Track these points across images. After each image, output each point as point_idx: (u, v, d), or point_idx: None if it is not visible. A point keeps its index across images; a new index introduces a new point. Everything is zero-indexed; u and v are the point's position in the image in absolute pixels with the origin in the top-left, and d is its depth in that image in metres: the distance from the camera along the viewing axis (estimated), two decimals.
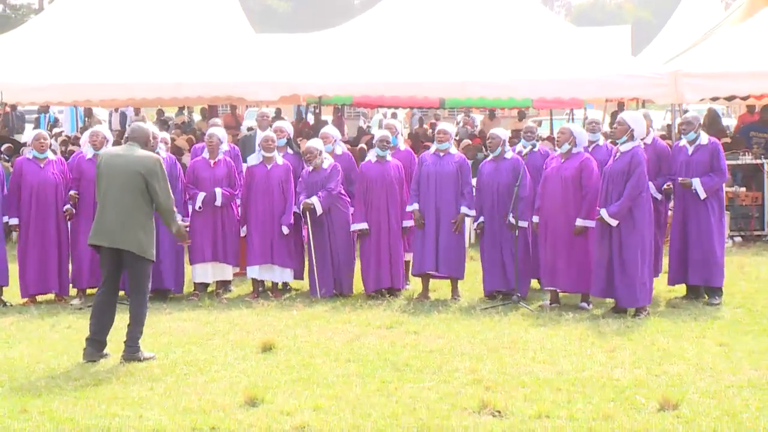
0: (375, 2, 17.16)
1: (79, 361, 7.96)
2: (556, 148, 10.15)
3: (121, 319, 8.27)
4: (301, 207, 10.58)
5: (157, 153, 9.12)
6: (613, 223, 9.40)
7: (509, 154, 10.48)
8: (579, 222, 9.68)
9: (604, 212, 9.42)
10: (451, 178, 10.49)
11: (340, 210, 10.72)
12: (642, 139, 10.05)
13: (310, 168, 10.76)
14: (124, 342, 8.07)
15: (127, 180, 8.03)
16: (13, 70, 15.28)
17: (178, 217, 8.60)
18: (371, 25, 16.08)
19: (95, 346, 8.04)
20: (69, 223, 10.63)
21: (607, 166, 9.65)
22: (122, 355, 7.99)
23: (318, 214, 10.56)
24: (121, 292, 8.64)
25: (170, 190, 8.26)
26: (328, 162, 10.79)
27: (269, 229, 10.67)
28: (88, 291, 10.47)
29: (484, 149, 16.70)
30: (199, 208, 10.62)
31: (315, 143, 10.92)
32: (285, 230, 10.68)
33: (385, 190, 10.67)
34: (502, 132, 10.82)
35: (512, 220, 10.09)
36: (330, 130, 11.37)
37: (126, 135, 8.56)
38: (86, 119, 21.87)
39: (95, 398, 6.96)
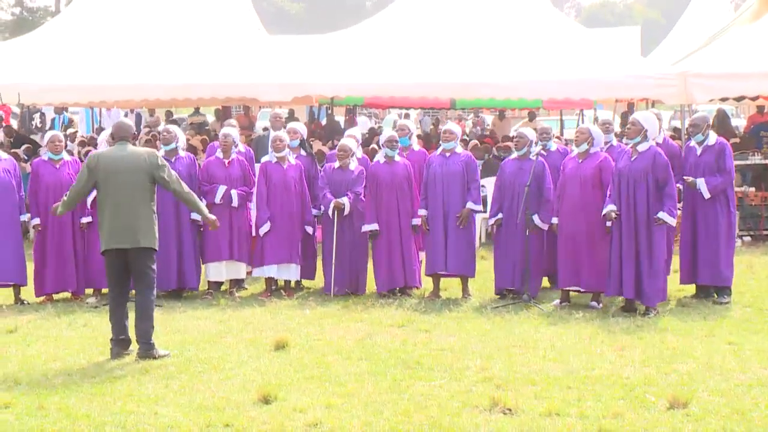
0: (386, 4, 17.18)
1: (95, 358, 7.98)
2: (574, 147, 10.12)
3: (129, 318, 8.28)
4: (331, 206, 10.58)
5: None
6: (673, 222, 9.46)
7: (533, 155, 10.41)
8: (661, 216, 9.42)
9: (664, 215, 9.37)
10: (458, 177, 10.48)
11: (359, 212, 10.74)
12: (653, 139, 10.06)
13: (336, 165, 10.77)
14: (137, 340, 8.06)
15: (132, 180, 8.04)
16: (30, 72, 15.36)
17: (202, 203, 8.57)
18: (382, 27, 16.10)
19: (121, 345, 8.08)
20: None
21: (622, 166, 9.59)
22: (137, 354, 8.00)
23: (345, 214, 10.58)
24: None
25: (175, 174, 8.30)
26: (354, 164, 10.80)
27: (286, 228, 10.69)
28: (104, 290, 10.49)
29: (494, 150, 16.71)
30: (220, 201, 10.63)
31: (349, 142, 10.95)
32: (309, 230, 10.83)
33: (395, 191, 10.66)
34: (531, 132, 10.77)
35: (537, 222, 10.07)
36: (350, 142, 11.20)
37: (112, 134, 8.53)
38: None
39: (111, 395, 6.98)
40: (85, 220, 10.52)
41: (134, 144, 8.37)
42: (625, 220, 9.47)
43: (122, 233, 8.03)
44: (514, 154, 10.59)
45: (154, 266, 8.22)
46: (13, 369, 7.75)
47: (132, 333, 8.18)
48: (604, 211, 9.58)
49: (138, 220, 8.03)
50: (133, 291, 8.33)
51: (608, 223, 9.59)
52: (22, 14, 43.03)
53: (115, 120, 19.48)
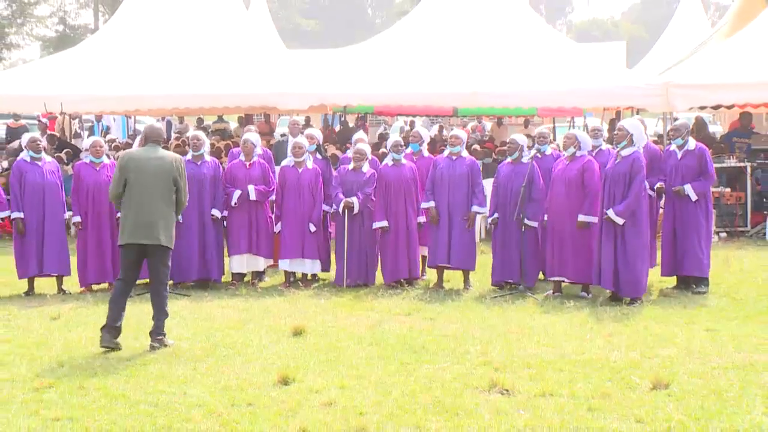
0: (394, 21, 17.16)
1: (130, 343, 7.98)
2: (563, 152, 10.11)
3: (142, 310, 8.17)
4: (341, 205, 10.58)
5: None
6: (620, 221, 9.34)
7: (526, 159, 10.41)
8: (581, 218, 9.63)
9: (611, 212, 9.35)
10: (463, 179, 10.46)
11: (369, 210, 10.73)
12: (637, 143, 10.05)
13: (350, 167, 10.77)
14: (150, 332, 7.90)
15: (158, 180, 7.92)
16: (71, 83, 15.41)
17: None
18: (391, 42, 16.11)
19: (112, 332, 7.81)
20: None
21: (608, 168, 9.60)
22: (150, 344, 7.83)
23: (354, 213, 10.57)
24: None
25: (187, 187, 8.20)
26: (367, 167, 10.79)
27: (300, 226, 10.70)
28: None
29: (492, 153, 16.67)
30: (235, 204, 10.67)
31: (365, 147, 10.94)
32: (312, 228, 10.73)
33: (402, 191, 10.65)
34: (522, 138, 10.75)
35: (526, 221, 10.05)
36: (365, 147, 11.04)
37: (144, 136, 8.36)
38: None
39: (144, 377, 6.99)
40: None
41: (165, 148, 8.27)
42: (605, 218, 9.46)
43: (144, 229, 7.87)
44: (508, 159, 10.59)
45: (169, 263, 8.07)
46: (57, 352, 7.77)
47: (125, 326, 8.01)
48: (580, 218, 9.64)
49: (160, 219, 7.89)
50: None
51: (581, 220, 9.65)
52: (65, 31, 43.03)
53: (92, 125, 19.60)
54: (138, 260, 8.03)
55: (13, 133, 19.95)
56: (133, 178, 7.97)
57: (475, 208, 10.43)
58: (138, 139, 11.21)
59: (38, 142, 10.72)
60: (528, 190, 10.07)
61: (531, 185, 10.09)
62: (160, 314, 7.94)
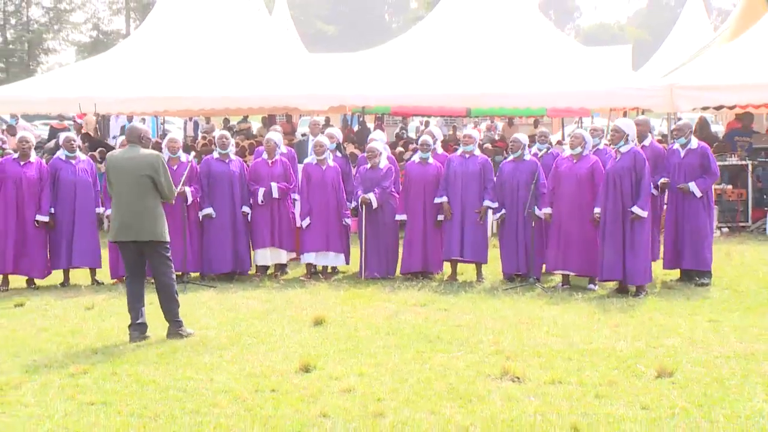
0: (410, 26, 17.12)
1: (159, 332, 7.99)
2: (570, 150, 10.06)
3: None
4: (359, 200, 10.58)
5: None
6: (645, 214, 9.29)
7: (528, 157, 10.41)
8: (636, 210, 9.29)
9: (637, 209, 9.27)
10: (476, 176, 10.44)
11: (390, 205, 10.72)
12: (641, 142, 9.99)
13: (368, 165, 10.76)
14: (165, 319, 7.84)
15: (135, 179, 7.74)
16: (104, 85, 15.47)
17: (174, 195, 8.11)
18: (406, 46, 16.08)
19: (138, 329, 7.79)
20: None
21: (609, 167, 9.57)
22: (167, 333, 7.80)
23: (374, 207, 10.57)
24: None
25: (171, 182, 7.93)
26: (384, 163, 10.78)
27: (324, 221, 10.70)
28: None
29: (504, 152, 16.62)
30: (262, 202, 10.70)
31: (377, 145, 10.93)
32: (348, 221, 10.78)
33: (423, 188, 10.63)
34: (524, 137, 10.73)
35: (537, 213, 10.03)
36: (377, 145, 11.05)
37: (125, 137, 8.23)
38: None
39: (173, 363, 7.00)
40: None
41: (146, 145, 7.98)
42: (612, 212, 9.43)
43: (127, 227, 7.76)
44: (510, 156, 10.56)
45: (167, 253, 7.86)
46: (91, 340, 7.81)
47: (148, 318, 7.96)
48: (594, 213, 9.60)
49: (142, 215, 7.72)
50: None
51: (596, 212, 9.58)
52: (98, 37, 43.22)
53: (123, 125, 19.64)
54: (137, 255, 7.89)
55: (56, 134, 20.02)
56: (114, 178, 7.85)
57: (486, 203, 10.41)
58: (166, 138, 11.20)
59: (73, 142, 10.77)
60: (536, 186, 10.05)
61: (537, 181, 10.07)
62: (166, 300, 7.82)
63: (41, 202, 10.40)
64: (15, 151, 11.07)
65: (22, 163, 10.45)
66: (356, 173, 11.01)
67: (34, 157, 10.60)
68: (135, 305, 7.84)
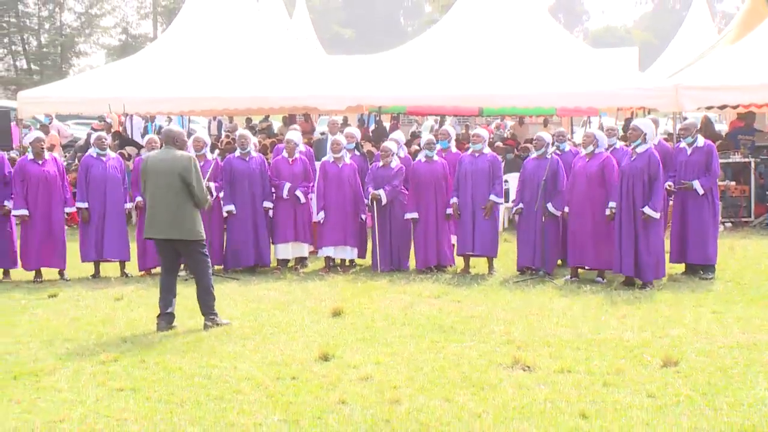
0: (424, 29, 17.09)
1: (185, 322, 8.03)
2: (583, 149, 10.02)
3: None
4: (369, 197, 10.59)
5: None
6: (657, 215, 9.23)
7: (550, 154, 10.32)
8: (648, 211, 9.23)
9: (649, 210, 9.21)
10: (485, 174, 10.42)
11: (400, 202, 10.72)
12: (651, 140, 9.96)
13: (381, 164, 10.76)
14: (201, 312, 7.88)
15: (169, 180, 7.76)
16: (132, 86, 15.54)
17: (209, 201, 8.14)
18: (421, 48, 16.06)
19: (166, 319, 7.83)
20: None
21: (624, 165, 9.49)
22: (204, 324, 7.82)
23: (383, 204, 10.56)
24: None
25: (204, 188, 7.90)
26: (395, 162, 10.78)
27: (341, 216, 10.72)
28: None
29: (514, 150, 16.57)
30: (287, 196, 10.71)
31: (391, 144, 10.94)
32: (364, 216, 10.80)
33: (433, 185, 10.63)
34: (548, 136, 10.64)
35: (550, 209, 9.98)
36: (391, 144, 11.01)
37: (161, 138, 8.29)
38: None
39: (198, 352, 7.04)
40: None
41: (182, 147, 8.03)
42: (626, 210, 9.36)
43: (160, 226, 7.80)
44: (534, 154, 10.50)
45: (203, 249, 7.89)
46: (120, 330, 7.85)
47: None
48: (607, 211, 9.54)
49: (175, 215, 7.75)
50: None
51: (609, 209, 9.52)
52: (127, 40, 43.42)
53: (138, 128, 19.70)
54: (170, 251, 7.93)
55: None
56: (149, 179, 7.90)
57: (492, 198, 10.38)
58: (192, 138, 11.25)
59: (103, 140, 10.83)
60: (552, 183, 10.01)
61: (555, 178, 10.04)
62: (202, 294, 7.86)
63: (67, 195, 10.58)
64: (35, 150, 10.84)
65: (39, 162, 10.50)
66: (368, 170, 11.01)
67: (47, 154, 10.66)
68: (166, 296, 7.90)
